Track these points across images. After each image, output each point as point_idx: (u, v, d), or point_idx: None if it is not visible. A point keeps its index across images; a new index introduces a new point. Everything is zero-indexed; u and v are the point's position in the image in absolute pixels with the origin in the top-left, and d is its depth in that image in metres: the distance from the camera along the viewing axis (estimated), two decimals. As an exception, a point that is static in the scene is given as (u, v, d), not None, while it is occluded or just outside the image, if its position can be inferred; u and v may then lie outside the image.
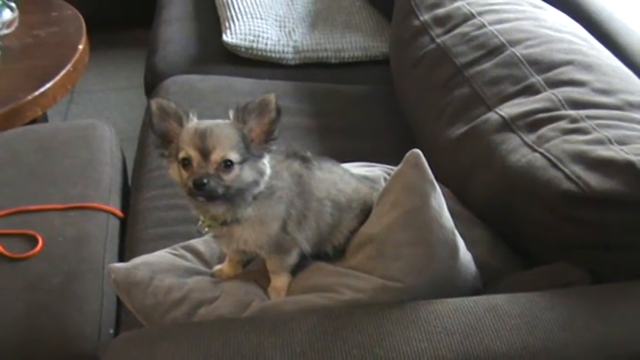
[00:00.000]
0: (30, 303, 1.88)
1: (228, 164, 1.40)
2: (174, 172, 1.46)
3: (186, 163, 1.41)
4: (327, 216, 1.57)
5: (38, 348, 1.81)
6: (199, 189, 1.39)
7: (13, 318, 1.85)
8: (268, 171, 1.47)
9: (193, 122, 1.46)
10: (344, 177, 1.66)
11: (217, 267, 1.66)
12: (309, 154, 1.62)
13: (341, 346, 1.31)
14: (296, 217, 1.53)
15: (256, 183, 1.46)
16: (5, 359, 1.80)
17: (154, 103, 1.47)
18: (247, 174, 1.43)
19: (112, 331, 1.91)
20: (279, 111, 1.44)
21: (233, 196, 1.44)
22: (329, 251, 1.61)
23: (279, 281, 1.58)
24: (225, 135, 1.41)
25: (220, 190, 1.40)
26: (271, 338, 1.33)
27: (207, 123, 1.45)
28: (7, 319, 1.85)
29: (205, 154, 1.40)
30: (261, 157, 1.45)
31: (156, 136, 1.48)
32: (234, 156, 1.40)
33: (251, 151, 1.43)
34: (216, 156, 1.39)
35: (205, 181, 1.38)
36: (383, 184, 1.76)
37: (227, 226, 1.50)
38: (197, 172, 1.39)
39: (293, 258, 1.57)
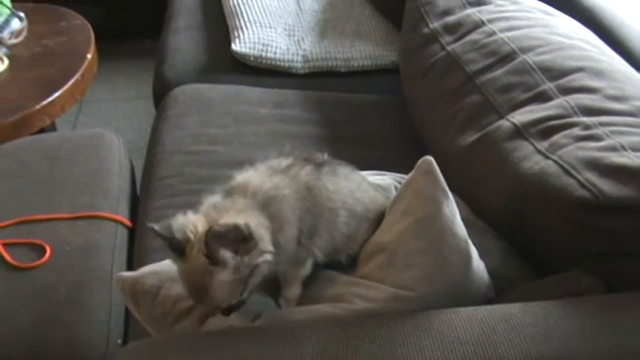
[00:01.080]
0: (37, 313, 1.87)
1: (236, 304, 1.40)
2: None
3: None
4: (341, 226, 1.52)
5: (45, 358, 1.80)
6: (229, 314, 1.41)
7: (20, 328, 1.84)
8: (268, 246, 1.37)
9: (183, 266, 1.37)
10: (362, 185, 1.61)
11: None
12: (324, 158, 1.58)
13: (352, 356, 1.28)
14: (307, 231, 1.48)
15: (268, 265, 1.39)
16: (12, 369, 1.79)
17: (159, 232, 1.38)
18: (256, 280, 1.38)
19: (119, 341, 1.89)
20: (233, 227, 1.31)
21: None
22: (343, 260, 1.57)
23: (291, 292, 1.54)
24: (219, 294, 1.34)
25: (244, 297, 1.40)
26: (281, 348, 1.31)
27: (193, 279, 1.36)
28: (13, 329, 1.84)
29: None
30: (256, 263, 1.36)
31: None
32: (237, 298, 1.38)
33: (245, 267, 1.34)
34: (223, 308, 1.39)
35: (229, 311, 1.40)
36: (394, 192, 1.75)
37: None
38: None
39: (307, 269, 1.53)
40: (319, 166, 1.53)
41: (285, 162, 1.51)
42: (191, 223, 1.35)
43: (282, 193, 1.44)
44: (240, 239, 1.31)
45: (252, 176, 1.47)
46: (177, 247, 1.34)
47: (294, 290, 1.54)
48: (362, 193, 1.59)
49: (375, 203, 1.60)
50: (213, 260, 1.30)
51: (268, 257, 1.37)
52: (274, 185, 1.44)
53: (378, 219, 1.58)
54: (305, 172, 1.50)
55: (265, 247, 1.36)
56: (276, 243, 1.39)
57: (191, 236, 1.34)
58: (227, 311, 1.39)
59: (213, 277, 1.32)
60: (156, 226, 1.37)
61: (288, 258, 1.47)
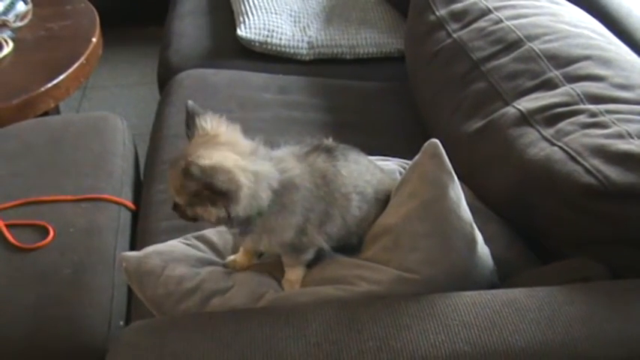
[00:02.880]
0: (40, 293, 1.87)
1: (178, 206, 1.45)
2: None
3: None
4: (354, 210, 1.53)
5: (48, 338, 1.80)
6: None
7: (23, 308, 1.84)
8: (264, 200, 1.41)
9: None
10: (370, 167, 1.62)
11: (231, 257, 1.62)
12: (332, 143, 1.58)
13: (356, 338, 1.29)
14: (317, 220, 1.49)
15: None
16: (15, 349, 1.79)
17: (189, 107, 1.49)
18: (215, 213, 1.41)
19: (122, 323, 1.89)
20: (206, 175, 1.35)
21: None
22: (354, 242, 1.57)
23: (294, 274, 1.55)
24: (172, 178, 1.41)
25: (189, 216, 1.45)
26: (285, 329, 1.32)
27: (179, 155, 1.43)
28: (17, 309, 1.84)
29: None
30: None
31: None
32: (181, 200, 1.42)
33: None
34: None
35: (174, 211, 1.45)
36: (398, 177, 1.74)
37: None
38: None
39: (310, 254, 1.54)
40: (331, 152, 1.55)
41: (303, 148, 1.54)
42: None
43: (302, 184, 1.46)
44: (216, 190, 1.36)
45: (283, 156, 1.51)
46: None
47: (297, 272, 1.55)
48: (370, 175, 1.60)
49: (382, 184, 1.61)
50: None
51: (222, 214, 1.40)
52: (299, 173, 1.47)
53: (387, 200, 1.59)
54: (321, 160, 1.52)
55: (235, 210, 1.39)
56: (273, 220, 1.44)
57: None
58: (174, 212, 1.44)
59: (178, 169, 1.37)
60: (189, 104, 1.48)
61: (286, 243, 1.48)
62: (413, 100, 2.42)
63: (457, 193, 1.43)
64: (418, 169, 1.46)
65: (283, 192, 1.43)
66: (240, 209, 1.39)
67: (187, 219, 1.45)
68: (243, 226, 1.44)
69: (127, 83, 4.20)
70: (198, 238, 1.71)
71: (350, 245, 1.57)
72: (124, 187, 2.27)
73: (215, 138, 1.43)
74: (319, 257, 1.56)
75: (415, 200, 1.44)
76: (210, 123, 1.45)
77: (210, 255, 1.66)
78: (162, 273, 1.53)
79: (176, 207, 1.45)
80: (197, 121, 1.44)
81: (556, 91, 1.78)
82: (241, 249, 1.61)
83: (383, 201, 1.58)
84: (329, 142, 1.59)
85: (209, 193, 1.36)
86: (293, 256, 1.54)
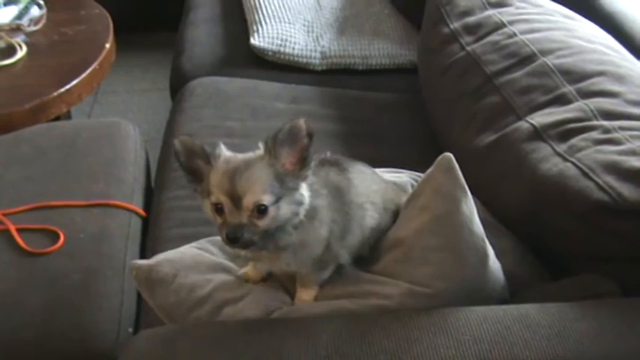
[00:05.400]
0: (49, 298, 1.88)
1: (262, 209, 1.31)
2: (207, 209, 1.38)
3: (218, 207, 1.33)
4: (369, 220, 1.52)
5: (57, 343, 1.80)
6: (234, 242, 1.32)
7: (32, 312, 1.85)
8: (307, 198, 1.38)
9: (222, 160, 1.36)
10: (374, 177, 1.62)
11: (243, 270, 1.59)
12: (334, 156, 1.57)
13: (367, 351, 1.28)
14: (339, 233, 1.46)
15: (296, 214, 1.37)
16: (23, 353, 1.80)
17: (177, 143, 1.37)
18: (285, 211, 1.34)
19: (130, 329, 1.89)
20: (311, 136, 1.32)
21: (273, 234, 1.36)
22: (366, 252, 1.56)
23: (307, 295, 1.53)
24: (256, 177, 1.31)
25: (256, 238, 1.33)
26: (296, 340, 1.31)
27: (236, 162, 1.35)
28: (26, 313, 1.84)
29: (236, 199, 1.31)
30: (297, 188, 1.36)
31: (185, 173, 1.40)
32: (267, 199, 1.31)
33: (286, 185, 1.33)
34: (247, 202, 1.30)
35: (239, 235, 1.31)
36: (410, 190, 1.74)
37: (268, 253, 1.44)
38: (230, 223, 1.32)
39: (328, 273, 1.51)
40: (339, 164, 1.54)
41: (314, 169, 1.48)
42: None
43: (321, 192, 1.44)
44: (302, 154, 1.33)
45: None
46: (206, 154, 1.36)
47: (311, 293, 1.53)
48: (376, 185, 1.60)
49: (387, 194, 1.61)
50: (270, 147, 1.32)
51: (306, 198, 1.37)
52: (320, 185, 1.44)
53: (393, 209, 1.59)
54: (333, 173, 1.51)
55: (304, 197, 1.37)
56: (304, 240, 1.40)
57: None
58: (238, 228, 1.31)
59: (259, 161, 1.33)
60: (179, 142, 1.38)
61: (314, 260, 1.46)
62: (425, 112, 2.42)
63: (470, 207, 1.43)
64: (431, 182, 1.46)
65: (313, 199, 1.40)
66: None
67: (251, 243, 1.34)
68: (280, 231, 1.38)
69: (139, 89, 4.21)
70: (210, 241, 1.70)
71: (361, 256, 1.56)
72: (134, 193, 2.28)
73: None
74: (334, 275, 1.54)
75: (427, 214, 1.44)
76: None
77: (221, 258, 1.65)
78: (173, 281, 1.53)
79: (243, 227, 1.33)
80: (214, 149, 1.37)
81: (569, 107, 1.77)
82: (251, 263, 1.58)
83: (390, 210, 1.58)
84: (329, 155, 1.57)
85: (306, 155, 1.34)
86: (314, 275, 1.51)
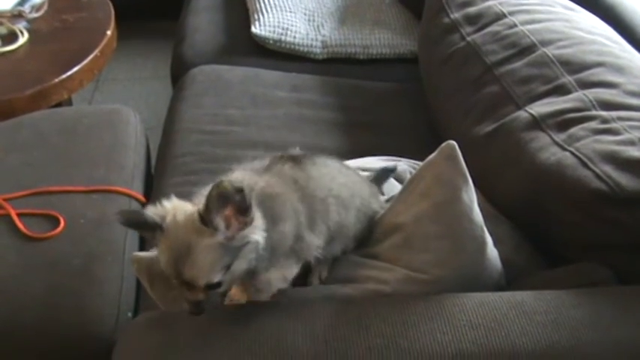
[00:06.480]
0: (49, 283, 1.88)
1: (215, 284, 1.26)
2: None
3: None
4: (333, 215, 1.47)
5: (56, 328, 1.80)
6: (200, 314, 1.29)
7: (33, 297, 1.85)
8: (261, 234, 1.29)
9: (165, 235, 1.27)
10: (342, 170, 1.58)
11: (228, 299, 1.51)
12: (298, 151, 1.53)
13: (364, 335, 1.29)
14: (307, 221, 1.40)
15: (253, 258, 1.30)
16: (23, 337, 1.80)
17: (120, 219, 1.30)
18: (241, 267, 1.28)
19: (130, 314, 1.90)
20: (240, 191, 1.21)
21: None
22: (338, 254, 1.53)
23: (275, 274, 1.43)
24: (200, 262, 1.24)
25: (221, 298, 1.31)
26: (293, 323, 1.33)
27: (177, 242, 1.25)
28: (26, 298, 1.85)
29: (188, 283, 1.26)
30: (247, 240, 1.27)
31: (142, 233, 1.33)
32: (218, 276, 1.25)
33: (234, 246, 1.25)
34: (199, 285, 1.25)
35: (201, 309, 1.28)
36: (408, 177, 1.75)
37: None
38: (188, 299, 1.28)
39: (292, 273, 1.44)
40: (297, 159, 1.49)
41: (263, 163, 1.46)
42: (167, 206, 1.31)
43: (276, 191, 1.37)
44: (240, 209, 1.23)
45: (242, 175, 1.41)
46: (151, 226, 1.28)
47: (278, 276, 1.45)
48: (344, 177, 1.56)
49: (359, 189, 1.58)
50: (207, 220, 1.23)
51: (260, 239, 1.28)
52: (267, 183, 1.38)
53: (366, 209, 1.56)
54: (288, 167, 1.45)
55: (259, 227, 1.28)
56: (269, 239, 1.31)
57: (168, 210, 1.29)
58: (198, 304, 1.28)
59: (200, 241, 1.24)
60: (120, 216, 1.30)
61: (286, 252, 1.39)
62: (425, 101, 2.43)
63: (470, 196, 1.44)
64: (432, 168, 1.47)
65: (262, 202, 1.32)
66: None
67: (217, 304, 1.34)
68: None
69: (139, 77, 4.21)
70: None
71: (334, 255, 1.53)
72: (134, 179, 2.28)
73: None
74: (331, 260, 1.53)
75: (428, 201, 1.45)
76: (159, 207, 1.32)
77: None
78: None
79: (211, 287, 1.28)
80: (152, 216, 1.29)
81: (568, 97, 1.78)
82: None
83: (363, 212, 1.55)
84: (295, 151, 1.54)
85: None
86: (277, 272, 1.42)
